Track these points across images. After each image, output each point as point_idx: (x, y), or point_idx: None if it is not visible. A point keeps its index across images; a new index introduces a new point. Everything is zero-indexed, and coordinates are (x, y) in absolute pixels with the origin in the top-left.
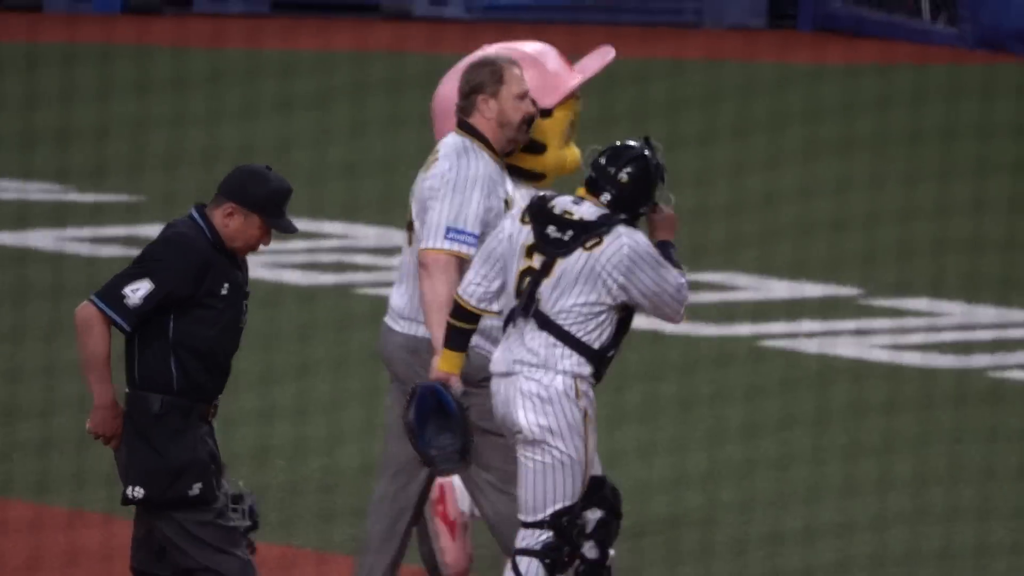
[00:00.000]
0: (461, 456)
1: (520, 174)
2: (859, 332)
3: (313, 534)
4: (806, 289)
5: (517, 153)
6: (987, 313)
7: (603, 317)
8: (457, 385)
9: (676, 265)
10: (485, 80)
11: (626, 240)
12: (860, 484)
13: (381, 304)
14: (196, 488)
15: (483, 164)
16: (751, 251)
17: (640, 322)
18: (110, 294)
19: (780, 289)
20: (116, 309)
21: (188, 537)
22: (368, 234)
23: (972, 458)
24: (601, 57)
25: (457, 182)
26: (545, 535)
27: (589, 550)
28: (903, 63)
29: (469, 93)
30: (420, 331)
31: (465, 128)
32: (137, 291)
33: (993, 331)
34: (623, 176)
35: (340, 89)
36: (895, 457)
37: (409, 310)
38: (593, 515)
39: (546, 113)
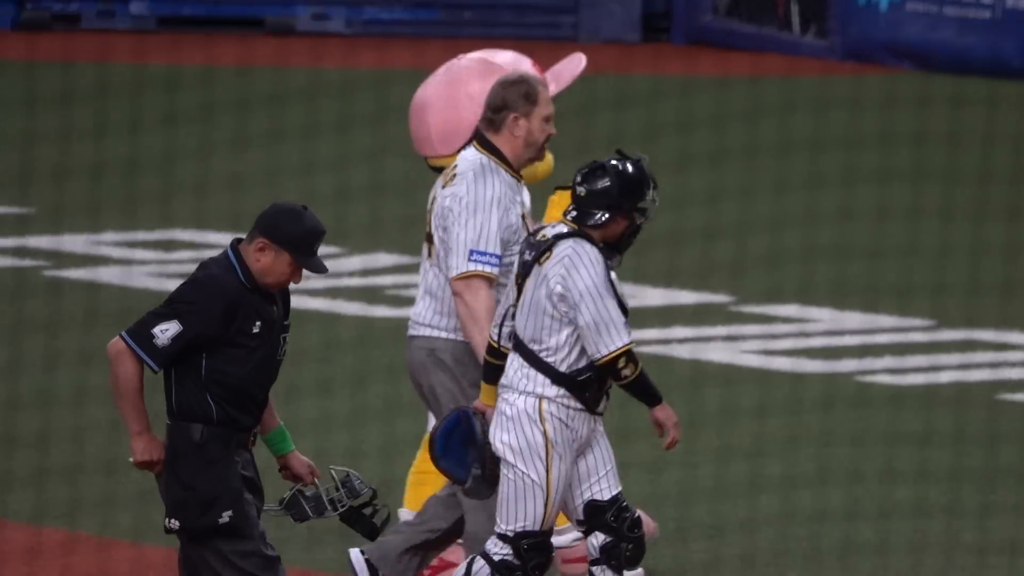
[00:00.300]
0: (487, 484)
1: None
2: (730, 338)
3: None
4: (679, 296)
5: None
6: (854, 319)
7: (564, 336)
8: (491, 417)
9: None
10: (518, 100)
11: (570, 250)
12: (731, 486)
13: None
14: (226, 516)
15: (500, 183)
16: (626, 260)
17: None
18: (140, 333)
19: (654, 296)
20: (145, 348)
21: (230, 566)
22: None
23: (840, 460)
24: (573, 66)
25: (475, 204)
26: (506, 550)
27: (600, 573)
28: (773, 75)
29: (501, 108)
30: (436, 333)
31: (486, 145)
32: (166, 332)
33: (860, 336)
34: (581, 190)
35: (224, 103)
36: (765, 460)
37: (426, 317)
38: (596, 540)
39: None
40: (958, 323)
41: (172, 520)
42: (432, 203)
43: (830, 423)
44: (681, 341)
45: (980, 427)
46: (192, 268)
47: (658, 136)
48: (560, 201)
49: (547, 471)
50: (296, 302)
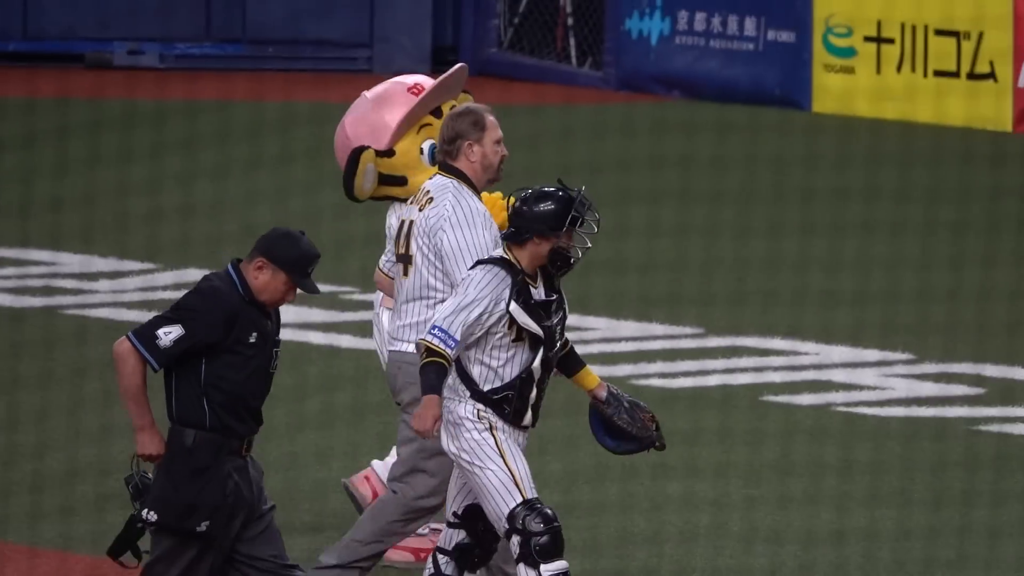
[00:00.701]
0: (647, 439)
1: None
2: None
3: (25, 531)
4: None
5: (386, 188)
6: (629, 327)
7: (471, 354)
8: (600, 393)
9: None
10: (468, 128)
11: (476, 265)
12: None
13: (84, 323)
14: (204, 525)
15: (474, 201)
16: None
17: (318, 337)
18: (145, 334)
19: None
20: (148, 348)
21: (168, 564)
22: (72, 261)
23: (615, 457)
24: (458, 74)
25: (464, 219)
26: (515, 538)
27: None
28: (553, 103)
29: (455, 139)
30: (403, 347)
31: (450, 171)
32: (169, 334)
33: (634, 343)
34: (510, 209)
35: (45, 131)
36: (547, 457)
37: (394, 331)
38: (458, 536)
39: (389, 152)
40: (724, 331)
41: (150, 512)
42: (405, 226)
43: None
44: None
45: (744, 426)
46: (13, 284)
47: None
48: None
49: (501, 456)
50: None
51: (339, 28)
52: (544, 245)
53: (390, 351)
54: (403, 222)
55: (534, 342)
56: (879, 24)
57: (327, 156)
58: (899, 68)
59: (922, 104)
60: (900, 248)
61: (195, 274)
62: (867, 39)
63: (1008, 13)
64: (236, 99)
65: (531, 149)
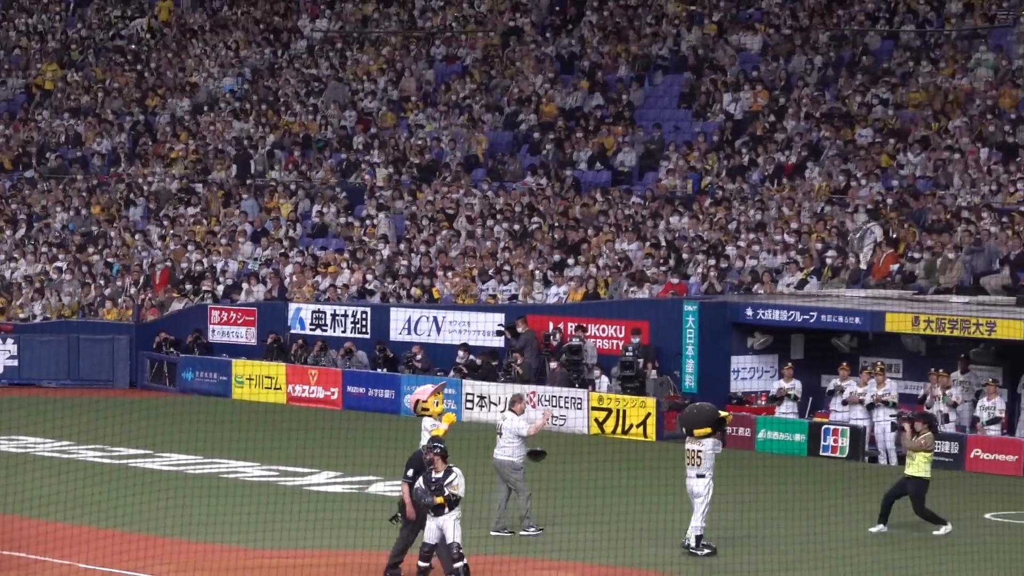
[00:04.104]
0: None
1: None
2: None
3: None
4: None
5: (424, 413)
6: None
7: None
8: None
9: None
10: (516, 400)
11: None
12: None
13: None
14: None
15: (523, 414)
16: None
17: None
18: (407, 478)
19: None
20: (410, 480)
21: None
22: None
23: None
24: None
25: (520, 418)
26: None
27: None
28: None
29: (514, 402)
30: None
31: (513, 410)
32: (410, 473)
33: None
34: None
35: None
36: None
37: (510, 453)
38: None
39: (426, 403)
40: None
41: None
42: (500, 423)
43: None
44: None
45: None
46: None
47: None
48: None
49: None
50: None
51: None
52: None
53: (504, 459)
54: (499, 424)
55: None
56: None
57: None
58: None
59: None
60: None
61: None
62: None
63: None
64: None
65: None
